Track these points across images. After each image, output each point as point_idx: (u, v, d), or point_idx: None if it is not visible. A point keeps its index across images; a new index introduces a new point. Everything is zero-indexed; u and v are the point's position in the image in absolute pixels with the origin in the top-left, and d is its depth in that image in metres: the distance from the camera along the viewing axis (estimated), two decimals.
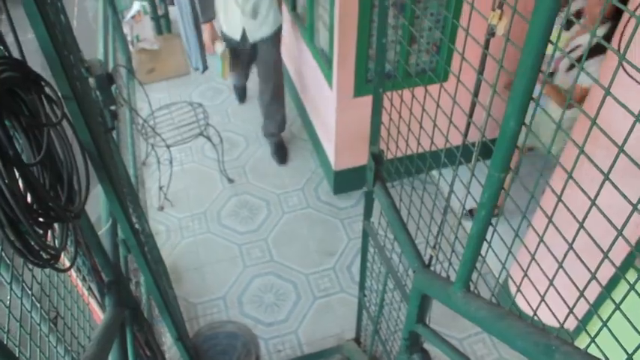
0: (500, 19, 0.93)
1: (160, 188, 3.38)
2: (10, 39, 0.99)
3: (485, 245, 1.10)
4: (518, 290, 1.12)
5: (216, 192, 3.51)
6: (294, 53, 3.78)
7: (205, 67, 3.69)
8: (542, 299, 1.04)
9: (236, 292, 3.01)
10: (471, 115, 1.12)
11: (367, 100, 3.01)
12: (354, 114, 3.03)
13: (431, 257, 1.47)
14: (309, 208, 3.42)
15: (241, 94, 4.13)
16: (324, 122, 3.34)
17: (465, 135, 1.12)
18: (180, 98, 3.88)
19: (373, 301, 2.23)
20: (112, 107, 2.17)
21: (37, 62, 1.14)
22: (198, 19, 3.40)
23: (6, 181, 0.96)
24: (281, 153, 3.68)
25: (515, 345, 1.01)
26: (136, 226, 2.00)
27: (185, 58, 4.58)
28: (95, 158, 1.38)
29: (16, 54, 1.01)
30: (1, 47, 0.99)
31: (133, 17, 4.63)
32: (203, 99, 4.19)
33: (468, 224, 1.31)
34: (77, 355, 1.39)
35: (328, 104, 3.10)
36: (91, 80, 2.00)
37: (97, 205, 2.13)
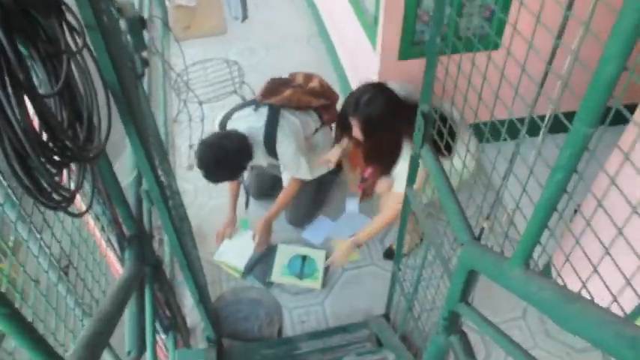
0: None
1: (190, 147, 3.28)
2: None
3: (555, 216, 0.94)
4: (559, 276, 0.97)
5: None
6: (334, 11, 3.60)
7: (245, 16, 3.53)
8: (600, 276, 0.88)
9: None
10: (542, 85, 0.96)
11: (412, 65, 2.85)
12: (398, 78, 2.85)
13: (482, 230, 1.32)
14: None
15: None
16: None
17: (532, 105, 0.96)
18: (216, 56, 3.74)
19: (408, 277, 2.10)
20: (143, 53, 2.05)
21: None
22: None
23: (14, 107, 0.84)
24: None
25: (589, 334, 0.86)
26: (162, 179, 1.90)
27: (222, 17, 4.44)
28: (120, 99, 1.26)
29: None
30: None
31: None
32: (239, 57, 4.06)
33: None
34: (89, 309, 1.30)
35: (370, 67, 2.93)
36: (122, 23, 1.88)
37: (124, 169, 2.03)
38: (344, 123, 2.30)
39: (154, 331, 1.89)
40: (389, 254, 2.86)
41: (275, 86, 2.68)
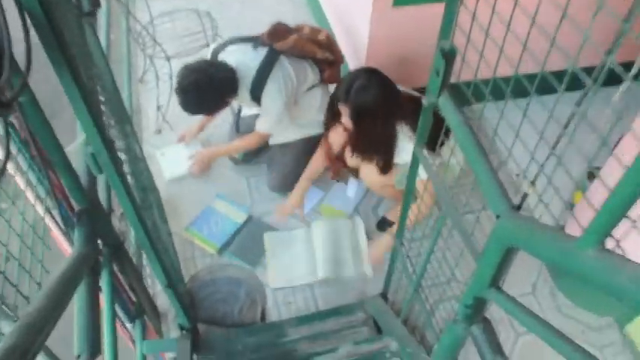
0: None
1: (158, 108, 2.93)
2: None
3: None
4: None
5: (224, 113, 3.05)
6: None
7: None
8: None
9: None
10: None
11: (408, 13, 2.53)
12: (391, 28, 2.53)
13: (524, 197, 1.03)
14: None
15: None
16: (353, 37, 2.84)
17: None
18: (186, 6, 3.34)
19: (414, 253, 1.82)
20: None
21: None
22: None
23: None
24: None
25: None
26: (119, 143, 1.57)
27: None
28: (43, 27, 0.92)
29: None
30: None
31: None
32: (212, 10, 3.66)
33: None
34: (15, 308, 0.98)
35: (360, 14, 2.59)
36: None
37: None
38: (333, 110, 2.24)
39: (114, 323, 1.59)
40: (382, 225, 2.59)
41: (281, 31, 2.43)
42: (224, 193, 2.70)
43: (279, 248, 2.51)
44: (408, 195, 1.68)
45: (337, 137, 2.42)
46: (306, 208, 2.65)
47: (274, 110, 2.38)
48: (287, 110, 2.41)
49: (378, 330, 2.05)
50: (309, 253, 2.47)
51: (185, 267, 2.45)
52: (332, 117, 2.29)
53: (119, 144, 1.56)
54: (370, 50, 2.64)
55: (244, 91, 2.35)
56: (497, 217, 1.03)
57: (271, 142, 2.67)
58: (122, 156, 1.43)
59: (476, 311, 1.23)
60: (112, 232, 1.63)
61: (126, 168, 1.44)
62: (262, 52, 2.35)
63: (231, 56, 2.36)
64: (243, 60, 2.33)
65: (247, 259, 2.49)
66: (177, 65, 3.13)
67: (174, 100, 2.34)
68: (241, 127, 2.78)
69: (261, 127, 2.51)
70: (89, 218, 1.40)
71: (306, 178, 2.55)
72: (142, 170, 2.01)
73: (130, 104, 2.85)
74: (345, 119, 2.14)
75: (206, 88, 2.20)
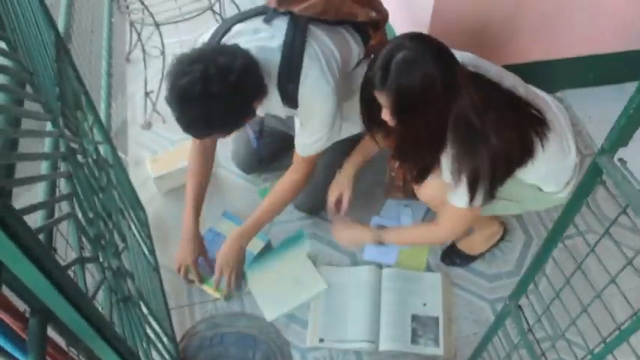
0: None
1: (147, 95, 2.21)
2: None
3: None
4: None
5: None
6: None
7: None
8: None
9: None
10: None
11: None
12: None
13: None
14: None
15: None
16: (412, 9, 2.11)
17: None
18: None
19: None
20: None
21: None
22: None
23: None
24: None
25: None
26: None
27: None
28: None
29: None
30: None
31: None
32: None
33: None
34: None
35: None
36: None
37: None
38: (367, 100, 1.37)
39: None
40: (451, 258, 1.86)
41: None
42: (232, 210, 1.97)
43: (335, 290, 1.80)
44: (551, 243, 0.95)
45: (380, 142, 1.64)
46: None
47: (324, 110, 1.51)
48: (339, 105, 1.55)
49: None
50: (372, 306, 1.75)
51: (179, 316, 1.73)
52: (367, 112, 1.44)
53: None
54: (434, 19, 1.90)
55: (271, 90, 1.48)
56: None
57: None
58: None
59: None
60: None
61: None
62: (281, 24, 1.51)
63: (240, 39, 1.48)
64: (258, 42, 1.46)
65: (267, 306, 1.77)
66: (170, 34, 2.44)
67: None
68: (265, 147, 1.96)
69: (309, 145, 1.59)
70: None
71: (359, 152, 1.72)
72: (121, 178, 1.29)
73: (113, 87, 2.13)
74: (386, 113, 1.32)
75: (222, 91, 1.29)
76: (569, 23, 2.03)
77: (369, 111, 1.41)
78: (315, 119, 1.52)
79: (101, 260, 1.03)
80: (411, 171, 1.48)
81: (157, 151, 2.18)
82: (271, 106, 1.52)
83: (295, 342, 1.68)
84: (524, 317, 1.09)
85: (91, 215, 1.05)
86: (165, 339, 1.50)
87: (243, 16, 1.56)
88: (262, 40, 1.47)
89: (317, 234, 1.92)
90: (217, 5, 2.16)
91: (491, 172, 1.27)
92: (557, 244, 0.95)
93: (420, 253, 1.86)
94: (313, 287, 1.77)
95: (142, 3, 1.94)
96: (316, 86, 1.47)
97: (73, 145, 1.08)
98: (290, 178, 1.69)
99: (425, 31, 1.96)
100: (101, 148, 1.56)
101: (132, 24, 2.09)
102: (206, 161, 1.77)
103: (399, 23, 2.22)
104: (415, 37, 1.25)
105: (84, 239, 0.99)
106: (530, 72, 2.21)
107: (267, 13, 1.53)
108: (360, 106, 1.44)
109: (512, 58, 2.10)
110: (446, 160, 1.33)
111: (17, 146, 0.79)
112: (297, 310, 1.74)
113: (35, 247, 0.62)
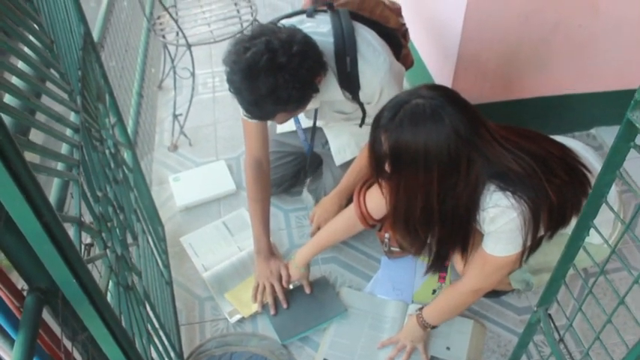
0: None
1: (176, 117, 2.23)
2: None
3: None
4: None
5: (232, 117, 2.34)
6: None
7: None
8: None
9: None
10: None
11: None
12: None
13: None
14: None
15: None
16: (439, 34, 2.10)
17: None
18: None
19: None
20: None
21: None
22: None
23: None
24: None
25: None
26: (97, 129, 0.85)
27: None
28: None
29: None
30: None
31: None
32: None
33: None
34: None
35: None
36: None
37: None
38: (376, 151, 1.19)
39: None
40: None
41: None
42: None
43: (353, 315, 1.70)
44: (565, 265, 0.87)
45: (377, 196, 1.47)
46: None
47: (387, 78, 1.47)
48: (399, 72, 1.54)
49: None
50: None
51: (188, 334, 1.66)
52: (375, 152, 1.20)
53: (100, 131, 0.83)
54: (463, 39, 1.88)
55: (328, 73, 1.44)
56: None
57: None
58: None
59: None
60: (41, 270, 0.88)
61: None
62: (323, 17, 1.53)
63: None
64: (307, 30, 1.43)
65: (281, 328, 1.67)
66: (200, 57, 2.47)
67: (197, 107, 1.51)
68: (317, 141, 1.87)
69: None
70: None
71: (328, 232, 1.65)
72: (143, 192, 1.26)
73: (135, 112, 2.15)
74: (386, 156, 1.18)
75: (289, 62, 1.26)
76: (604, 55, 1.99)
77: (377, 153, 1.19)
78: (385, 90, 1.47)
79: (104, 239, 0.99)
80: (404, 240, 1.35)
81: (179, 172, 2.16)
82: (328, 91, 1.48)
83: None
84: (554, 326, 0.99)
85: (99, 194, 1.02)
86: (172, 353, 1.43)
87: (281, 18, 1.57)
88: (310, 27, 1.47)
89: (337, 257, 1.85)
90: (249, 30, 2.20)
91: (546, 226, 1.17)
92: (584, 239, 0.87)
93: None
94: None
95: (176, 23, 1.98)
96: (374, 59, 1.45)
97: (88, 125, 1.07)
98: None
99: (453, 57, 1.94)
100: (123, 152, 1.56)
101: (165, 46, 2.13)
102: (264, 188, 1.70)
103: (426, 50, 2.21)
104: (439, 88, 1.16)
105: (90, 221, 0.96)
106: (561, 106, 2.16)
107: (306, 12, 1.56)
108: (369, 143, 1.23)
109: (541, 91, 2.06)
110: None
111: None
112: (314, 334, 1.65)
113: (31, 186, 0.60)
